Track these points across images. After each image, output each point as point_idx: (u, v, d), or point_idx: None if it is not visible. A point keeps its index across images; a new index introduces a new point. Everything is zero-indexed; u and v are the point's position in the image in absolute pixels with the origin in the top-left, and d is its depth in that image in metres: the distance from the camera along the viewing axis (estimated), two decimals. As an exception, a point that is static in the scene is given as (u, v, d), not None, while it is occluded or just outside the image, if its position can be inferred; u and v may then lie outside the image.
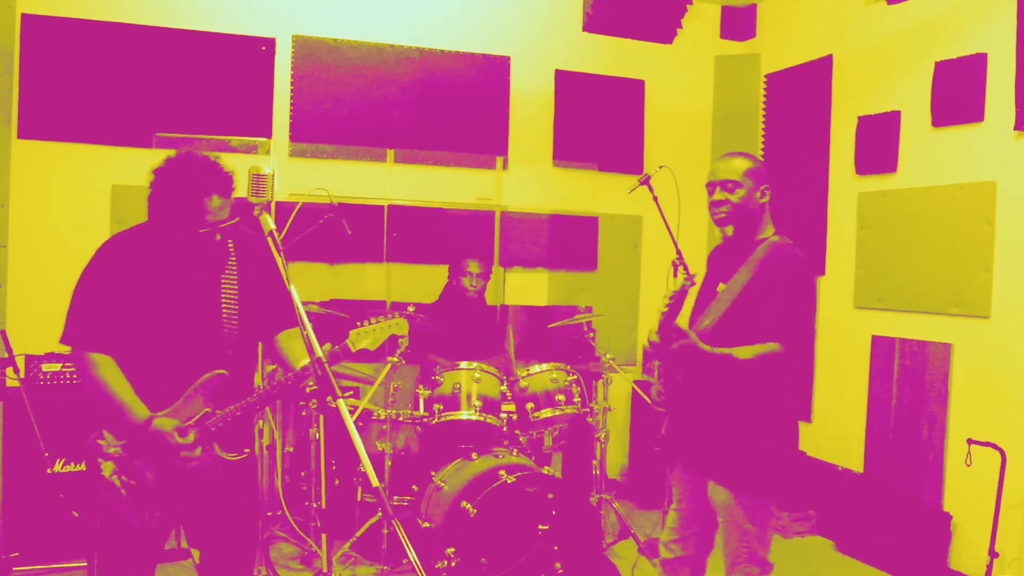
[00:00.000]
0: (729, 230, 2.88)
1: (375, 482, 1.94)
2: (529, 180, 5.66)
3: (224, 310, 2.50)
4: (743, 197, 2.78)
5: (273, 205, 4.65)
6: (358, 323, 2.54)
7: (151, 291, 2.43)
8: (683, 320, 2.87)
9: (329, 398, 2.07)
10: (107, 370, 2.38)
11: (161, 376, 2.42)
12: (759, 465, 2.72)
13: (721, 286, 2.82)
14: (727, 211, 2.81)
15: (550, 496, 3.60)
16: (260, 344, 2.80)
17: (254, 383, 2.52)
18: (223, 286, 2.52)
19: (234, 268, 2.55)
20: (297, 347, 2.55)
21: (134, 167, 4.80)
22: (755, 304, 2.70)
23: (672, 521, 2.98)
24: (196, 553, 2.64)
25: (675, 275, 2.70)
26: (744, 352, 2.65)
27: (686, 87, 6.03)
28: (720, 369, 2.68)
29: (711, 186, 2.85)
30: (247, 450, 2.52)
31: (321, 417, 4.12)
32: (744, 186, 2.78)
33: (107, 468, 2.37)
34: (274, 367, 2.53)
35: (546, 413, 4.15)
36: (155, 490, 2.38)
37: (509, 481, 3.58)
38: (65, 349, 3.96)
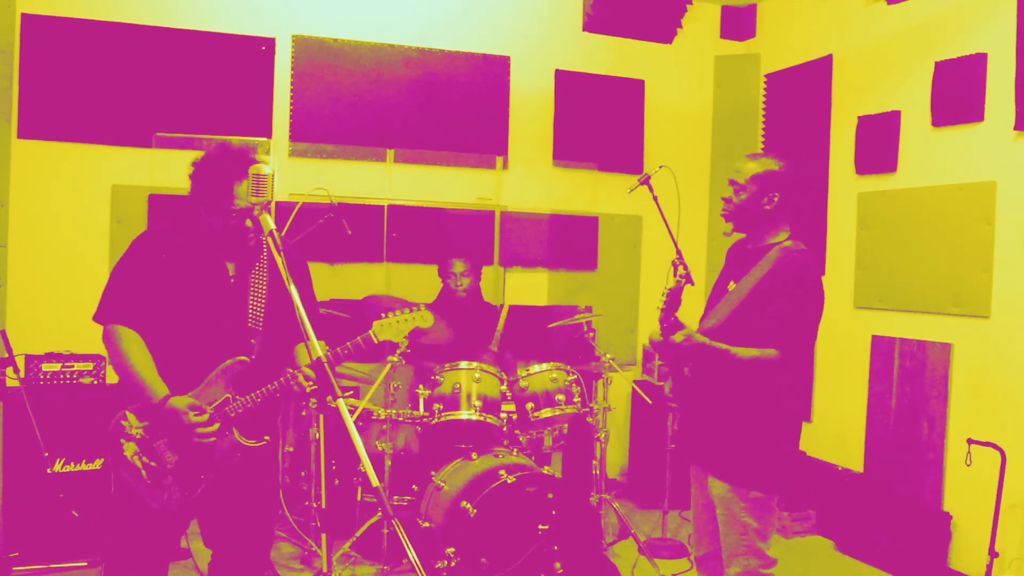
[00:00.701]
0: (728, 227, 2.91)
1: (375, 482, 1.94)
2: (529, 180, 5.66)
3: (251, 302, 2.57)
4: (744, 200, 2.82)
5: (273, 205, 4.63)
6: (382, 314, 2.58)
7: (181, 277, 2.52)
8: (695, 315, 2.89)
9: (329, 398, 2.08)
10: (132, 345, 2.46)
11: (185, 360, 2.49)
12: (754, 460, 2.74)
13: (732, 285, 2.85)
14: (727, 210, 2.88)
15: (550, 496, 3.60)
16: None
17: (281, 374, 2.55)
18: (252, 280, 2.60)
19: (264, 265, 2.62)
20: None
21: (134, 167, 4.81)
22: (759, 308, 2.73)
23: (693, 518, 3.03)
24: (202, 551, 2.65)
25: (675, 275, 2.72)
26: (742, 352, 2.68)
27: (686, 87, 6.03)
28: (719, 364, 2.71)
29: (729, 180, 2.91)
30: (267, 437, 2.57)
31: (321, 417, 4.09)
32: (747, 190, 2.82)
33: (129, 449, 2.44)
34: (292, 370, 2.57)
35: (546, 413, 4.15)
36: (175, 472, 2.43)
37: (509, 481, 3.58)
38: (64, 348, 4.02)
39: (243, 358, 2.50)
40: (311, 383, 2.45)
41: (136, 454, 2.43)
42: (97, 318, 2.52)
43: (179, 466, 2.43)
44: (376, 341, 2.57)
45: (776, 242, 2.83)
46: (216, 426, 2.42)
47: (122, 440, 2.45)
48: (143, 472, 2.42)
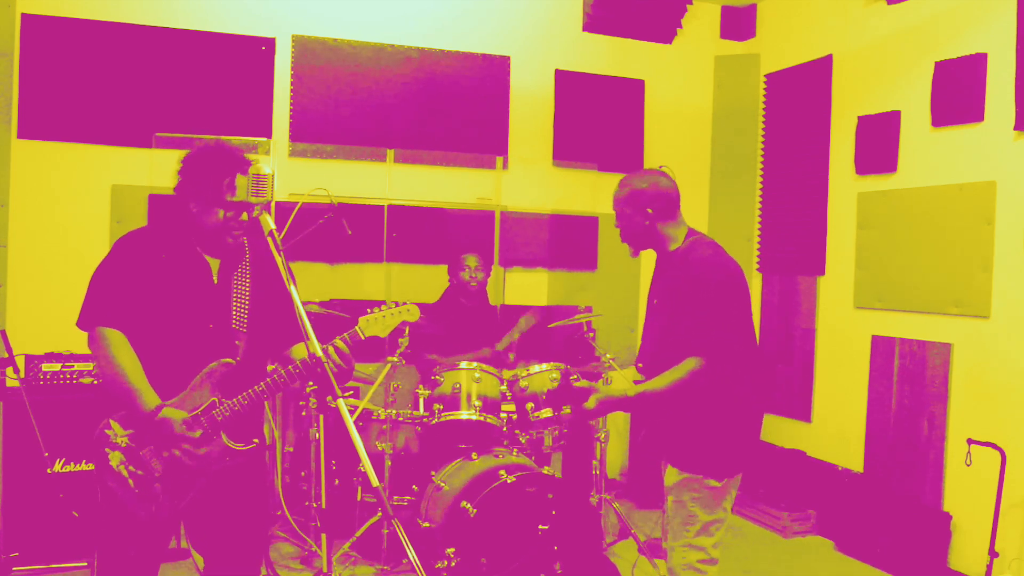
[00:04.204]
0: (632, 253, 2.98)
1: (375, 482, 1.95)
2: (529, 180, 5.66)
3: (235, 304, 2.53)
4: (626, 225, 2.90)
5: (273, 205, 4.64)
6: (368, 310, 2.55)
7: (164, 280, 2.47)
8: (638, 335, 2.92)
9: (329, 398, 2.08)
10: (119, 349, 2.40)
11: (170, 364, 2.44)
12: (708, 447, 2.74)
13: (655, 301, 2.93)
14: (622, 234, 2.95)
15: (550, 496, 3.60)
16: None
17: (265, 377, 2.52)
18: (236, 281, 2.56)
19: (247, 267, 2.59)
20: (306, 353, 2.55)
21: (134, 167, 4.81)
22: (676, 319, 2.75)
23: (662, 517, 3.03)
24: (199, 558, 2.63)
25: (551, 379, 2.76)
26: (659, 382, 2.67)
27: (686, 87, 6.03)
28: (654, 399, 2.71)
29: None
30: (255, 440, 2.53)
31: (321, 417, 4.12)
32: (624, 215, 2.90)
33: (115, 458, 2.39)
34: (275, 366, 2.54)
35: (546, 413, 4.15)
36: (163, 480, 2.39)
37: (509, 481, 3.58)
38: (64, 348, 4.02)
39: (228, 360, 2.46)
40: (341, 358, 2.43)
41: (122, 463, 2.37)
42: (81, 323, 2.45)
43: (167, 474, 2.38)
44: (363, 337, 2.52)
45: (677, 248, 2.88)
46: (203, 450, 2.39)
47: (107, 449, 2.39)
48: (130, 481, 2.37)
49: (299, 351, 2.61)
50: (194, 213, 2.49)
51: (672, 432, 2.82)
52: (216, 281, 2.54)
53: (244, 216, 2.47)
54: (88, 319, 2.45)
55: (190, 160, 2.50)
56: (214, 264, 2.55)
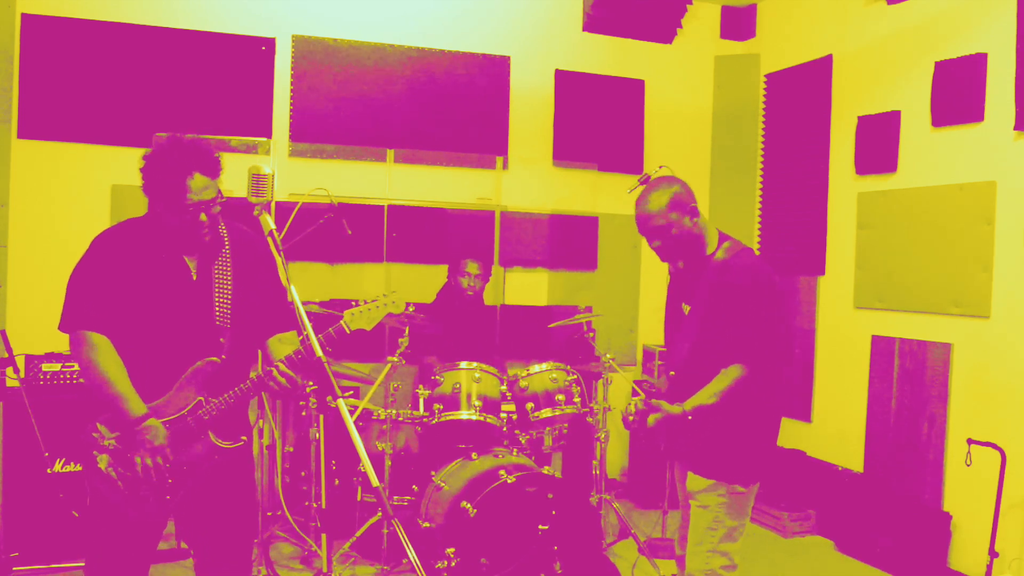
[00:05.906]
0: (681, 264, 2.86)
1: (375, 482, 1.95)
2: (529, 180, 5.66)
3: (216, 298, 2.48)
4: (676, 233, 2.76)
5: (273, 205, 4.65)
6: (353, 303, 2.54)
7: (142, 278, 2.42)
8: (658, 336, 2.86)
9: (329, 398, 2.08)
10: (103, 355, 2.37)
11: (154, 364, 2.41)
12: (735, 455, 2.75)
13: (686, 307, 2.84)
14: (668, 250, 2.81)
15: (550, 496, 3.60)
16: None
17: (250, 373, 2.50)
18: (216, 275, 2.50)
19: (228, 259, 2.53)
20: (284, 351, 2.52)
21: (134, 167, 4.73)
22: (716, 326, 2.71)
23: (680, 518, 3.03)
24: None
25: (634, 400, 2.73)
26: (711, 395, 2.65)
27: (686, 87, 6.03)
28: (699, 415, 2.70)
29: (642, 234, 2.85)
30: (243, 438, 2.51)
31: (321, 417, 4.12)
32: (670, 225, 2.75)
33: (103, 460, 2.37)
34: (273, 367, 2.52)
35: (546, 413, 4.15)
36: (151, 481, 2.38)
37: (509, 481, 3.58)
38: (64, 348, 4.01)
39: (213, 359, 2.43)
40: (286, 379, 2.38)
41: (110, 465, 2.36)
42: (63, 327, 2.41)
43: (156, 475, 2.37)
44: (348, 331, 2.50)
45: (711, 252, 2.80)
46: (160, 468, 2.36)
47: (95, 452, 2.38)
48: (119, 483, 2.36)
49: (278, 349, 2.58)
50: (161, 213, 2.42)
51: (698, 440, 2.77)
52: (195, 277, 2.49)
53: (203, 217, 2.40)
54: (69, 322, 2.40)
55: (149, 160, 2.41)
56: (192, 261, 2.50)
